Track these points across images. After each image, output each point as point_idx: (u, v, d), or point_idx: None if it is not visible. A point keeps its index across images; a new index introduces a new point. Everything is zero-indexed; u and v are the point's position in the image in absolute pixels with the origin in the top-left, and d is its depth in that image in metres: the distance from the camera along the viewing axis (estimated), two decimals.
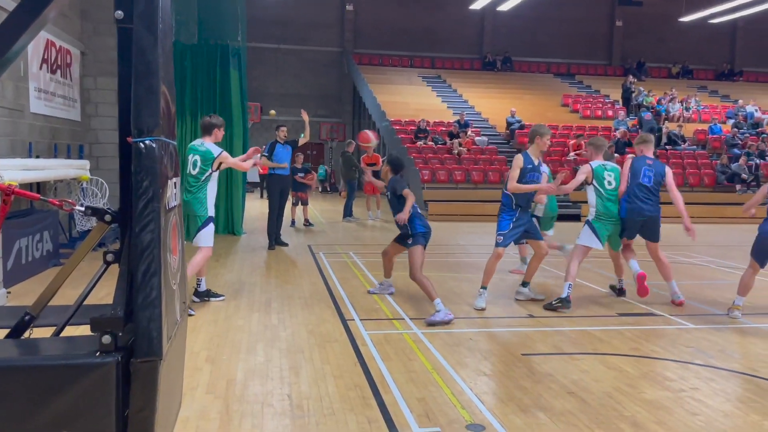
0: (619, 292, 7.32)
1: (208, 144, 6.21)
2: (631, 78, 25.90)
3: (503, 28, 30.35)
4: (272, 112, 14.88)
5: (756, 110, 24.24)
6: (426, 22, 29.94)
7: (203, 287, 6.42)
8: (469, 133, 20.73)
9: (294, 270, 8.60)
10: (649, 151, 7.15)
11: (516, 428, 3.60)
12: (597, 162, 6.86)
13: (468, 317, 6.13)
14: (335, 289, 7.31)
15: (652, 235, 7.04)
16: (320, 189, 27.44)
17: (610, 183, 6.75)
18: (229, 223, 12.27)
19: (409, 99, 24.94)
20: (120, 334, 2.23)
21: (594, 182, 6.73)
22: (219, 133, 6.37)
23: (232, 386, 4.17)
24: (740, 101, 25.52)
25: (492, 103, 24.76)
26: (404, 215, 6.21)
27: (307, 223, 13.94)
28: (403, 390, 4.13)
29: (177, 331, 3.17)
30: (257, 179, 23.35)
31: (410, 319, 5.97)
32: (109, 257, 2.49)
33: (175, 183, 3.20)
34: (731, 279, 7.88)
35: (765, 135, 22.59)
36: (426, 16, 29.90)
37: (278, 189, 10.74)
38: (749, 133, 22.55)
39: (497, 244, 6.48)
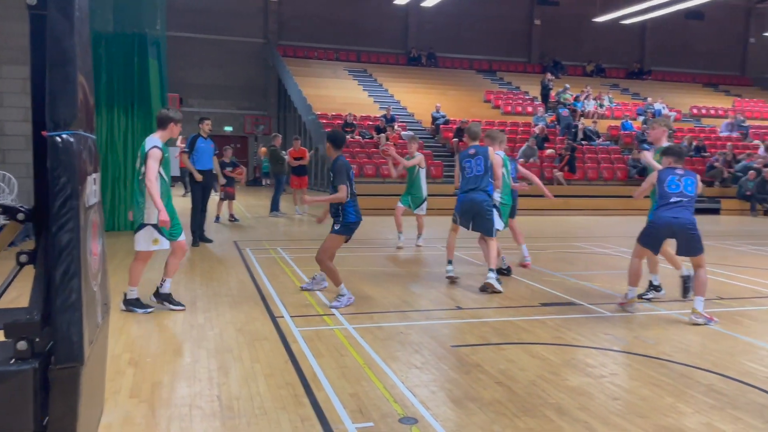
0: (507, 271, 8.09)
1: (150, 138, 5.75)
2: (549, 75, 26.84)
3: (427, 24, 30.72)
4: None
5: (663, 107, 25.69)
6: (351, 15, 29.87)
7: (167, 288, 6.03)
8: (395, 127, 20.87)
9: (220, 267, 8.39)
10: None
11: (447, 419, 3.66)
12: (500, 152, 7.67)
13: (398, 311, 6.18)
14: (263, 286, 7.19)
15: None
16: (263, 180, 26.94)
17: (509, 171, 7.88)
18: None
19: (335, 92, 24.84)
20: (37, 339, 2.11)
21: (503, 170, 7.61)
22: (175, 129, 5.87)
23: (158, 389, 4.02)
24: (649, 99, 26.99)
25: (417, 98, 25.03)
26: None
27: (233, 218, 13.64)
28: (335, 386, 4.11)
29: (98, 335, 3.02)
30: (178, 173, 22.60)
31: (341, 314, 5.95)
32: (23, 258, 2.33)
33: (94, 179, 3.04)
34: (644, 269, 8.29)
35: (671, 131, 23.94)
36: (351, 9, 29.84)
37: (201, 184, 10.41)
38: None
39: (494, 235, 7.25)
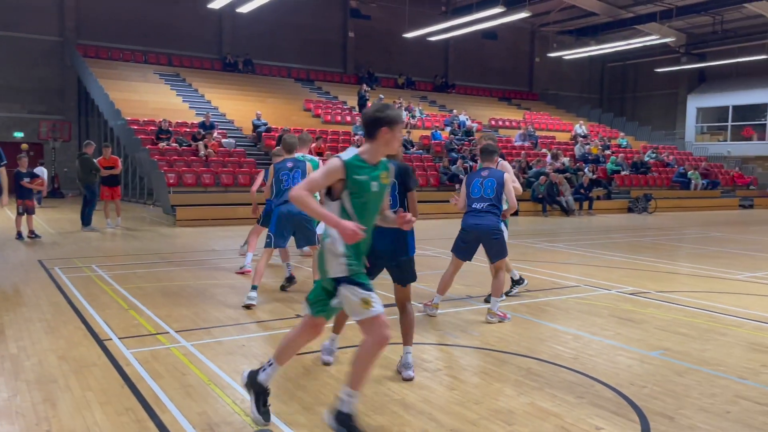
0: (289, 279, 7.79)
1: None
2: (364, 86, 27.88)
3: (243, 30, 30.21)
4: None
5: (467, 119, 28.01)
6: (160, 15, 28.35)
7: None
8: (215, 135, 20.27)
9: (26, 289, 7.54)
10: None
11: (302, 426, 3.72)
12: (309, 156, 7.93)
13: (237, 324, 6.07)
14: (82, 307, 6.61)
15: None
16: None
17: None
18: None
19: (146, 97, 23.45)
20: None
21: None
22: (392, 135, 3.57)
23: None
24: (454, 111, 29.23)
25: (236, 105, 24.54)
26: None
27: (33, 234, 12.27)
28: (181, 406, 3.96)
29: None
30: None
31: (175, 332, 5.70)
32: None
33: None
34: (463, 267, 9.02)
35: (476, 141, 26.22)
36: (160, 10, 28.32)
37: None
38: (464, 139, 25.96)
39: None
